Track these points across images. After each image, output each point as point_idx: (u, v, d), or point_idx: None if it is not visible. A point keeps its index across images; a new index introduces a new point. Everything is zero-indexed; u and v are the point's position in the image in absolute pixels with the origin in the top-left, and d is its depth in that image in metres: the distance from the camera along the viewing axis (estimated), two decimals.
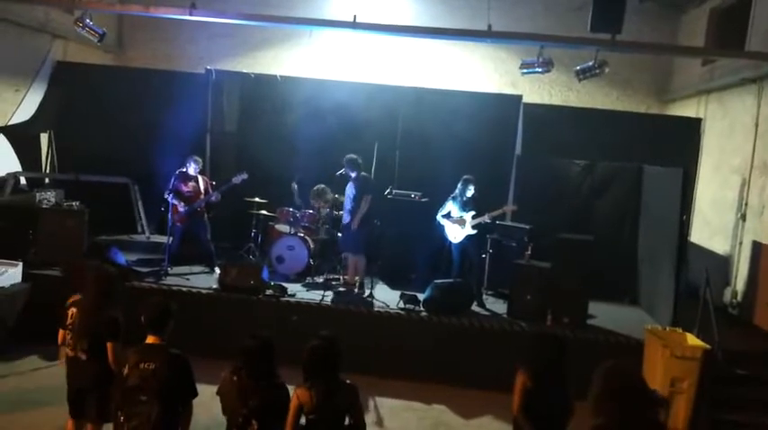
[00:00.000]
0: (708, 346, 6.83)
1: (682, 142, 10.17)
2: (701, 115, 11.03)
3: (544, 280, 7.95)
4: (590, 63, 8.62)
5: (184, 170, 8.78)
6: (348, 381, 3.91)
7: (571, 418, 4.35)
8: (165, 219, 9.00)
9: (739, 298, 9.26)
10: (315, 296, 8.10)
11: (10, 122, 10.46)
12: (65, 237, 8.33)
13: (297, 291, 8.22)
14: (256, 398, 3.75)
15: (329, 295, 8.19)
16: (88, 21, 8.80)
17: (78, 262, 7.71)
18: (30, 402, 6.18)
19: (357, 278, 8.64)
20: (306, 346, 3.91)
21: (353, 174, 8.48)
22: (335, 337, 3.96)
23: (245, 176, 8.85)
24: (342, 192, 8.93)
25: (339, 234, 9.04)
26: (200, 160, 8.97)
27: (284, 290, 8.01)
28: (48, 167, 11.25)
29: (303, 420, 3.80)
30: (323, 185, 9.47)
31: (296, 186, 9.77)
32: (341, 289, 8.59)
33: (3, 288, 7.42)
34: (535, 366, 4.41)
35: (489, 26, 8.59)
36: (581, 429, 3.12)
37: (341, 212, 8.93)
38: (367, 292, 8.28)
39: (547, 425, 4.30)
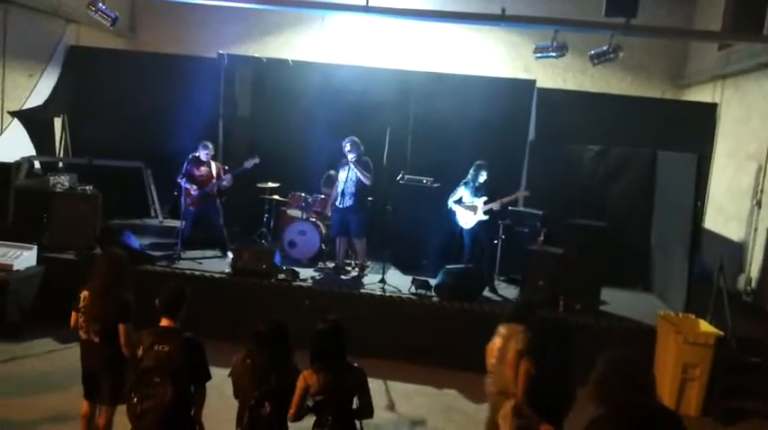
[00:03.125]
0: (721, 333, 6.80)
1: (697, 128, 10.05)
2: (717, 100, 10.90)
3: (556, 266, 7.92)
4: (604, 48, 8.55)
5: (197, 155, 8.80)
6: (356, 364, 3.92)
7: (572, 405, 4.36)
8: (177, 204, 9.04)
9: (753, 285, 9.20)
10: (326, 280, 8.16)
11: (24, 107, 10.51)
12: (78, 220, 8.37)
13: (309, 275, 8.25)
14: (269, 381, 3.78)
15: (319, 277, 8.29)
16: (101, 5, 8.82)
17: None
18: (45, 384, 6.25)
19: (368, 262, 8.70)
20: (313, 330, 3.93)
21: (354, 157, 8.35)
22: (341, 320, 3.97)
23: (256, 161, 8.87)
24: None
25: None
26: (211, 146, 8.97)
27: (296, 274, 8.04)
28: (61, 152, 11.32)
29: (311, 402, 3.83)
30: (333, 172, 9.46)
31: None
32: (353, 273, 8.64)
33: (18, 271, 7.49)
34: (539, 353, 4.41)
35: (503, 10, 8.52)
36: (584, 414, 3.12)
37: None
38: (378, 277, 8.29)
39: (549, 411, 4.31)
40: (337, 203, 8.51)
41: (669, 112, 10.47)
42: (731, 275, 8.91)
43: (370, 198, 8.76)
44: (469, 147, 9.36)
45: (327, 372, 3.80)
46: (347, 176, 8.42)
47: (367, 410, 3.89)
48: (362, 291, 7.92)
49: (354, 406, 3.88)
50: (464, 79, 10.68)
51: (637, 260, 9.50)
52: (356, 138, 8.42)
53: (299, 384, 3.81)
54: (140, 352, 3.97)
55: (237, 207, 9.87)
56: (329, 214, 8.89)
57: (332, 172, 9.45)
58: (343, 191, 8.45)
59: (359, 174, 8.26)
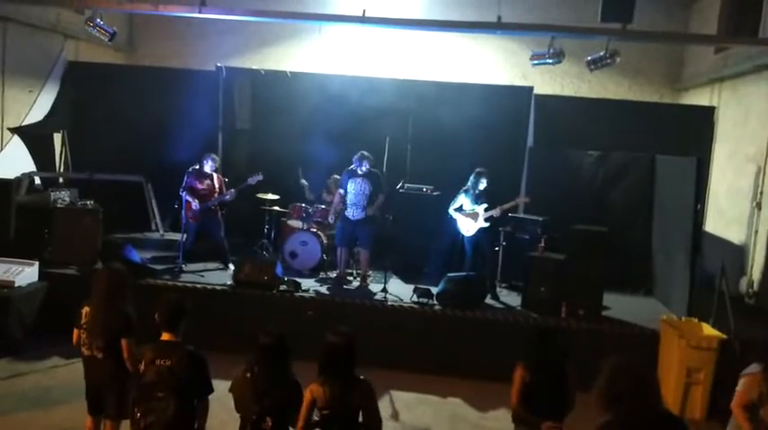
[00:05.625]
0: (724, 336, 6.79)
1: (695, 131, 10.09)
2: (715, 103, 10.93)
3: (558, 272, 7.92)
4: (601, 53, 8.57)
5: (198, 167, 8.81)
6: (362, 378, 3.89)
7: (572, 406, 4.37)
8: (178, 217, 9.05)
9: (755, 287, 9.19)
10: (328, 291, 8.15)
11: (24, 123, 10.54)
12: (80, 235, 8.37)
13: (310, 286, 8.24)
14: (270, 395, 3.76)
15: (321, 287, 8.29)
16: (99, 20, 8.87)
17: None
18: (49, 400, 6.25)
19: (370, 272, 8.71)
20: (322, 342, 3.90)
21: (363, 170, 8.39)
22: (352, 333, 3.95)
23: (260, 177, 8.90)
24: None
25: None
26: (217, 158, 9.03)
27: (298, 285, 8.03)
28: (61, 167, 11.34)
29: (317, 415, 3.81)
30: (336, 176, 9.49)
31: (304, 182, 9.77)
32: (355, 283, 8.64)
33: (20, 287, 7.48)
34: (533, 359, 4.42)
35: (499, 18, 8.55)
36: (589, 419, 3.11)
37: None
38: (380, 286, 8.30)
39: (548, 415, 4.32)
40: (347, 215, 8.49)
41: (667, 116, 10.49)
42: (733, 278, 8.91)
43: (388, 216, 8.77)
44: (469, 154, 9.40)
45: (335, 386, 3.77)
46: (358, 189, 8.41)
47: (374, 424, 3.84)
48: (364, 300, 7.92)
49: (360, 419, 3.84)
50: (462, 87, 10.70)
51: (638, 264, 9.50)
52: (365, 152, 8.44)
53: (306, 397, 3.78)
54: (142, 367, 3.96)
55: (238, 219, 9.86)
56: (331, 221, 8.88)
57: (336, 176, 9.46)
58: (354, 203, 8.44)
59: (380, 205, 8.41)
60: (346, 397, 3.78)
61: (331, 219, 8.84)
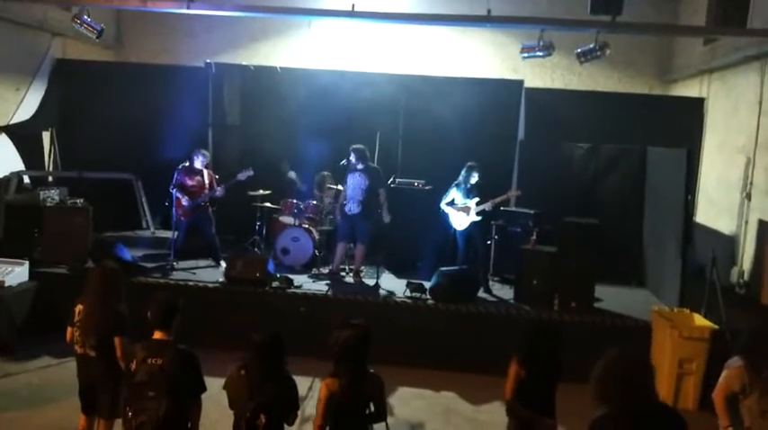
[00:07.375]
0: (716, 326, 6.83)
1: (685, 122, 10.12)
2: (704, 95, 10.96)
3: (550, 264, 7.94)
4: (591, 45, 8.57)
5: (188, 164, 8.77)
6: (372, 371, 3.91)
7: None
8: (169, 214, 9.02)
9: (746, 277, 9.23)
10: (321, 287, 8.14)
11: (11, 121, 10.45)
12: (70, 234, 8.33)
13: (303, 282, 8.23)
14: (264, 392, 3.75)
15: (314, 283, 8.27)
16: (86, 17, 8.79)
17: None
18: (41, 399, 6.22)
19: (362, 267, 8.69)
20: (338, 335, 3.89)
21: (361, 166, 8.37)
22: (367, 325, 3.97)
23: (250, 173, 8.86)
24: (341, 181, 8.89)
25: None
26: (208, 154, 9.00)
27: (290, 281, 8.02)
28: (51, 165, 11.27)
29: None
30: (326, 173, 9.47)
31: (293, 174, 9.72)
32: (348, 279, 8.63)
33: (10, 287, 7.44)
34: (527, 355, 4.43)
35: (489, 11, 8.54)
36: (585, 413, 3.11)
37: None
38: (373, 281, 8.29)
39: (540, 411, 4.33)
40: (345, 210, 8.50)
41: (657, 108, 10.52)
42: (724, 268, 8.95)
43: (380, 211, 8.77)
44: (460, 148, 9.41)
45: (348, 379, 3.79)
46: (355, 183, 8.40)
47: (381, 415, 3.91)
48: (357, 295, 7.91)
49: (368, 411, 3.89)
50: (453, 81, 10.70)
51: (630, 256, 9.54)
52: (361, 146, 8.42)
53: (322, 393, 3.79)
54: (133, 365, 3.94)
55: (229, 215, 9.84)
56: (339, 220, 8.86)
57: (325, 173, 9.44)
58: (351, 197, 8.43)
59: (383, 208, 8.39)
60: (360, 389, 3.81)
61: (338, 217, 8.82)
